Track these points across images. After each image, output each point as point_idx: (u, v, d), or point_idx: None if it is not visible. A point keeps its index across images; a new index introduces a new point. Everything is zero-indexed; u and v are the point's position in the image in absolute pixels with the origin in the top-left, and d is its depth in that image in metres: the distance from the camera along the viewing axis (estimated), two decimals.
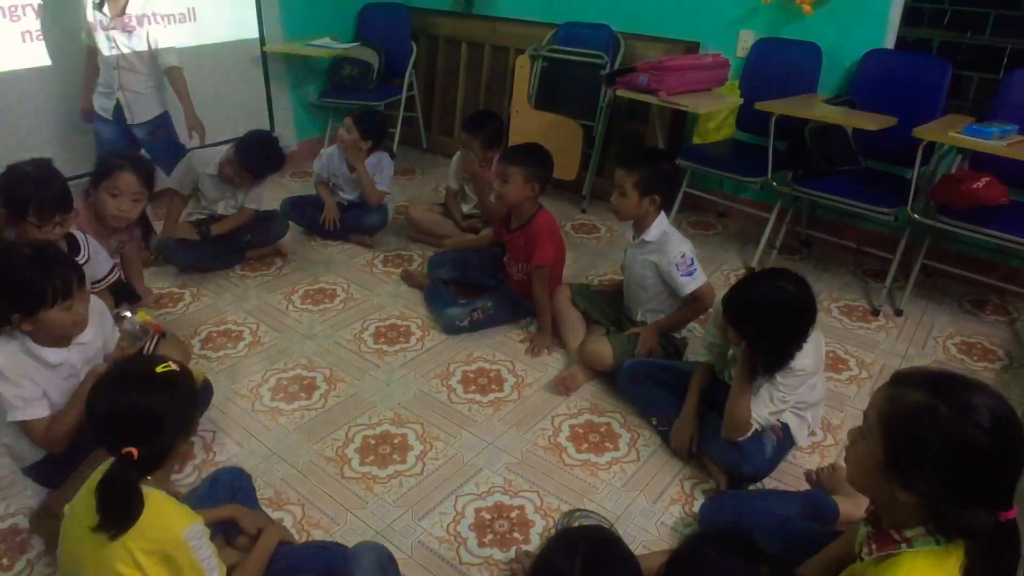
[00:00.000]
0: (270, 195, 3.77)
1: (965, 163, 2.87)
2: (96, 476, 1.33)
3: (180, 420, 1.33)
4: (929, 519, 1.12)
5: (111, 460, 1.31)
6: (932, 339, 2.79)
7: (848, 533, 1.45)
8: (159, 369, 1.33)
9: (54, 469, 1.78)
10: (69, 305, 1.63)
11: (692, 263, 2.34)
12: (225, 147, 3.05)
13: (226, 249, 3.14)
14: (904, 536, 1.14)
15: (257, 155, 2.99)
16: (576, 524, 1.63)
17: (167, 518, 1.28)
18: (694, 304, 2.40)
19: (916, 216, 2.80)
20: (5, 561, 1.75)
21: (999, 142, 2.47)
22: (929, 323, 2.90)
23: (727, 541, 1.17)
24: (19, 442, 1.73)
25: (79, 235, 2.27)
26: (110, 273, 2.39)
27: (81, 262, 2.19)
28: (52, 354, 1.68)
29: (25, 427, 1.67)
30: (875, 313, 2.95)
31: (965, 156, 2.83)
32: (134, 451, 1.24)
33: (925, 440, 1.07)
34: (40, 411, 1.67)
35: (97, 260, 2.32)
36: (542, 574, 1.17)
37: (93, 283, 2.19)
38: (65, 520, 1.36)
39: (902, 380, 1.16)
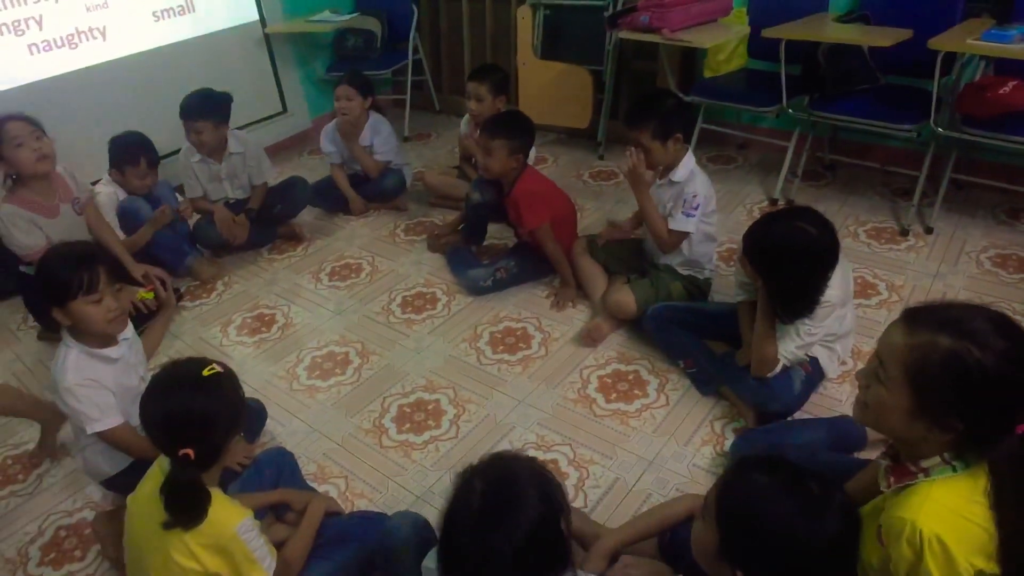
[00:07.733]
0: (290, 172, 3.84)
1: (990, 69, 2.74)
2: (155, 470, 1.40)
3: (229, 418, 1.38)
4: (947, 449, 1.12)
5: (164, 457, 1.38)
6: (965, 254, 2.73)
7: (871, 466, 1.46)
8: (205, 372, 1.37)
9: (133, 480, 1.72)
10: (98, 299, 1.66)
11: (696, 208, 2.30)
12: None
13: (259, 227, 3.19)
14: (920, 467, 1.14)
15: (195, 100, 2.98)
16: None
17: (220, 515, 1.34)
18: (669, 239, 2.36)
19: (940, 130, 2.71)
20: (78, 553, 1.88)
21: (1020, 45, 2.36)
22: (961, 238, 2.83)
23: (769, 464, 1.20)
24: (96, 457, 1.79)
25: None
26: None
27: None
28: (110, 351, 1.74)
29: (107, 436, 1.71)
30: (904, 233, 2.89)
31: (989, 62, 2.71)
32: (190, 452, 1.30)
33: (961, 385, 1.06)
34: (117, 418, 1.71)
35: None
36: (445, 519, 1.13)
37: None
38: (128, 512, 1.45)
39: (918, 322, 1.12)
